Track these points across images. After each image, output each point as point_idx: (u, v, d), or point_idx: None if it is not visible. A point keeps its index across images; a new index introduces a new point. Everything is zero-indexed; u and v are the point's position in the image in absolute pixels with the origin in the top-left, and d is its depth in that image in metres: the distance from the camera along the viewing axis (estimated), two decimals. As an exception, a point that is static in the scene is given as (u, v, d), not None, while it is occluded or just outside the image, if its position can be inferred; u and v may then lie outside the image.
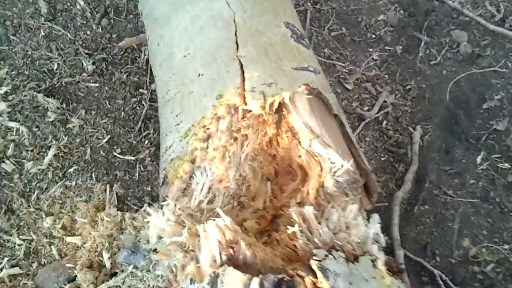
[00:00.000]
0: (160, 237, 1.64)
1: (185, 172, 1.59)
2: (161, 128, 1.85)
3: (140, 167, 2.46)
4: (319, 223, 1.49)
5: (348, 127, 1.74)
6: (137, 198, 2.39)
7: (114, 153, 2.49)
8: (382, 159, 2.61)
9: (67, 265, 2.19)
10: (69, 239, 2.25)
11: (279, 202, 1.71)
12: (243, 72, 1.67)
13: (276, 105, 1.62)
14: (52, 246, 2.25)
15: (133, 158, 2.48)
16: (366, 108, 2.75)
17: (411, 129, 2.70)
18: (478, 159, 2.63)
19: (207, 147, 1.61)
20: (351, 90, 2.78)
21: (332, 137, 1.63)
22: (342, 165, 1.59)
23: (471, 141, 2.68)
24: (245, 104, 1.60)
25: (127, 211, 2.30)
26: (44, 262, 2.24)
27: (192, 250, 1.50)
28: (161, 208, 1.63)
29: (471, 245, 2.39)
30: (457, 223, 2.44)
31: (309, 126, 1.61)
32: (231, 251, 1.40)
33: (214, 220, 1.42)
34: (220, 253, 1.41)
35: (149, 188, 2.41)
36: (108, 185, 2.39)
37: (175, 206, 1.60)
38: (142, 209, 2.26)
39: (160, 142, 1.84)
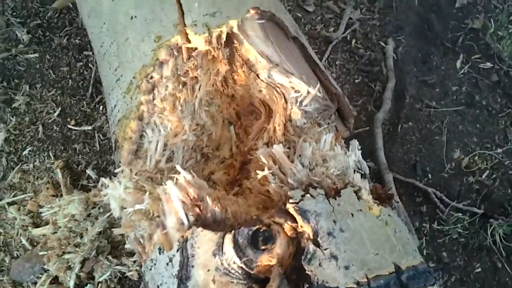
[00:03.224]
0: (123, 208, 1.47)
1: (133, 131, 1.40)
2: (103, 88, 1.65)
3: (99, 136, 2.26)
4: (292, 161, 1.32)
5: (310, 48, 1.55)
6: (102, 170, 2.21)
7: (69, 126, 2.28)
8: (357, 81, 2.42)
9: (40, 253, 2.03)
10: (37, 231, 2.09)
11: (246, 147, 1.54)
12: (180, 6, 1.45)
13: (224, 37, 1.42)
14: (22, 237, 2.09)
15: (90, 128, 2.27)
16: (331, 29, 2.54)
17: (382, 44, 2.51)
18: (458, 63, 2.47)
19: (154, 99, 1.41)
20: (312, 12, 2.56)
21: (294, 63, 1.44)
22: (308, 92, 1.41)
23: (447, 45, 2.51)
24: (188, 41, 1.39)
25: (91, 188, 2.14)
26: (16, 255, 2.08)
27: (158, 216, 1.33)
28: (116, 177, 1.45)
29: (462, 155, 2.26)
30: (444, 135, 2.29)
31: (265, 55, 1.41)
32: (197, 210, 1.24)
33: (172, 178, 1.25)
34: (186, 214, 1.24)
35: (112, 157, 2.22)
36: (60, 167, 2.19)
37: (130, 171, 1.42)
38: (99, 183, 2.10)
39: (105, 104, 1.64)
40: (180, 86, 1.41)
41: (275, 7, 1.54)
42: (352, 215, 1.24)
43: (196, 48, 1.41)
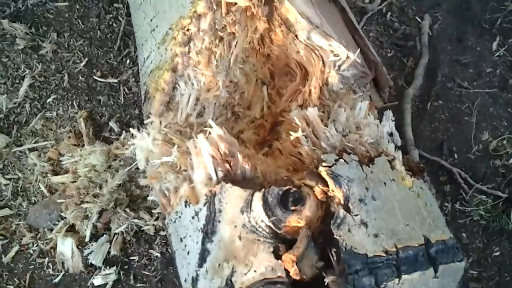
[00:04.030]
0: (148, 160, 1.46)
1: (166, 82, 1.37)
2: (136, 38, 1.62)
3: (124, 90, 2.24)
4: (326, 126, 1.29)
5: (350, 13, 1.50)
6: (125, 123, 2.19)
7: (94, 77, 2.26)
8: (389, 54, 2.37)
9: (58, 200, 2.04)
10: (56, 178, 2.08)
11: (278, 108, 1.50)
12: (224, -41, 1.41)
13: (266, -5, 1.38)
14: (40, 183, 2.09)
15: (115, 80, 2.25)
16: (367, 0, 2.47)
17: (418, 19, 2.43)
18: (494, 45, 2.39)
19: (189, 52, 1.38)
20: (349, -20, 2.48)
21: (334, 27, 1.39)
22: (347, 57, 1.36)
23: (484, 26, 2.43)
24: (229, -4, 1.36)
25: (113, 140, 2.12)
26: (34, 201, 2.09)
27: (185, 170, 1.31)
28: (145, 128, 1.43)
29: (490, 138, 2.21)
30: (474, 116, 2.24)
31: (306, 16, 1.36)
32: (227, 166, 1.22)
33: (205, 132, 1.23)
34: (215, 170, 1.22)
35: (136, 111, 2.21)
36: (83, 117, 2.18)
37: (160, 123, 1.40)
38: (125, 134, 2.08)
39: (137, 54, 1.61)
40: (217, 41, 1.37)
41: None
42: (385, 184, 1.22)
43: (235, 3, 1.37)
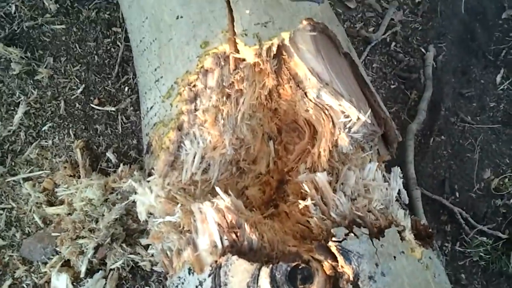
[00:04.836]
0: (150, 214, 1.42)
1: (172, 141, 1.33)
2: (139, 83, 1.57)
3: (122, 119, 2.18)
4: (335, 190, 1.25)
5: (361, 66, 1.46)
6: (123, 154, 2.14)
7: (92, 105, 2.20)
8: (392, 86, 2.33)
9: (53, 234, 1.99)
10: (51, 209, 2.03)
11: (285, 165, 1.46)
12: (231, 11, 1.35)
13: (274, 50, 1.32)
14: (35, 214, 2.04)
15: (113, 108, 2.19)
16: (371, 29, 2.43)
17: (423, 50, 2.40)
18: (498, 78, 2.36)
19: (196, 109, 1.33)
20: (353, 8, 2.44)
21: (344, 83, 1.35)
22: (358, 118, 1.32)
23: (489, 57, 2.40)
24: (237, 51, 1.30)
25: (110, 172, 2.07)
26: (28, 231, 2.04)
27: (188, 231, 1.27)
28: (148, 182, 1.39)
29: (492, 176, 2.19)
30: (477, 153, 2.21)
31: (316, 72, 1.32)
32: (234, 236, 1.18)
33: (211, 201, 1.19)
34: (221, 238, 1.19)
35: (134, 141, 2.15)
36: (79, 147, 2.12)
37: (163, 181, 1.36)
38: (122, 167, 2.03)
39: (139, 100, 1.56)
40: (224, 98, 1.33)
41: (329, 18, 1.45)
42: (395, 257, 1.19)
43: (244, 59, 1.32)
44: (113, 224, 1.98)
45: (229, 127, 1.34)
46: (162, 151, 1.33)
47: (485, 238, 2.05)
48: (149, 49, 1.46)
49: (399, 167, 1.39)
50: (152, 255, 1.98)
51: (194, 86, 1.33)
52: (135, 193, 1.44)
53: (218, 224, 1.18)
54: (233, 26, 1.33)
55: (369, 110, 1.36)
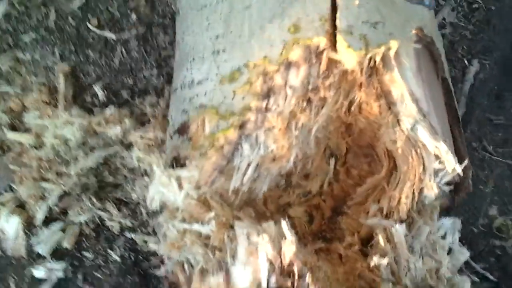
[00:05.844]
0: (163, 204, 1.13)
1: (229, 141, 1.03)
2: (182, 41, 1.23)
3: (122, 51, 1.83)
4: (411, 249, 1.03)
5: (454, 97, 1.21)
6: (113, 92, 1.81)
7: (88, 24, 1.82)
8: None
9: (11, 166, 1.68)
10: (13, 135, 1.70)
11: (342, 191, 1.20)
12: (334, -6, 1.05)
13: (377, 60, 1.03)
14: (-7, 135, 1.70)
15: (113, 36, 1.83)
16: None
17: (466, 62, 2.17)
18: (530, 111, 2.20)
19: (267, 109, 1.04)
20: None
21: (439, 116, 1.10)
22: (453, 170, 1.08)
23: (526, 85, 2.22)
24: (335, 51, 1.01)
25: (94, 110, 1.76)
26: (-18, 153, 1.71)
27: (219, 250, 1.01)
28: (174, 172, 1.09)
29: (497, 214, 2.06)
30: (490, 187, 2.07)
31: (415, 98, 1.05)
32: (288, 284, 0.93)
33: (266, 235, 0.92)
34: (268, 282, 0.93)
35: (130, 81, 1.82)
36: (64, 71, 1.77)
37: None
38: (108, 112, 1.71)
39: (175, 60, 1.23)
40: (304, 104, 1.04)
41: (435, 32, 1.17)
42: None
43: (340, 62, 1.03)
44: (87, 173, 1.69)
45: (300, 140, 1.07)
46: (214, 150, 1.03)
47: (475, 277, 1.95)
48: (213, 7, 1.12)
49: (460, 220, 1.19)
50: (124, 217, 1.73)
51: (271, 78, 1.04)
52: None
53: (270, 262, 0.93)
54: (335, 16, 1.03)
55: (467, 160, 1.13)
